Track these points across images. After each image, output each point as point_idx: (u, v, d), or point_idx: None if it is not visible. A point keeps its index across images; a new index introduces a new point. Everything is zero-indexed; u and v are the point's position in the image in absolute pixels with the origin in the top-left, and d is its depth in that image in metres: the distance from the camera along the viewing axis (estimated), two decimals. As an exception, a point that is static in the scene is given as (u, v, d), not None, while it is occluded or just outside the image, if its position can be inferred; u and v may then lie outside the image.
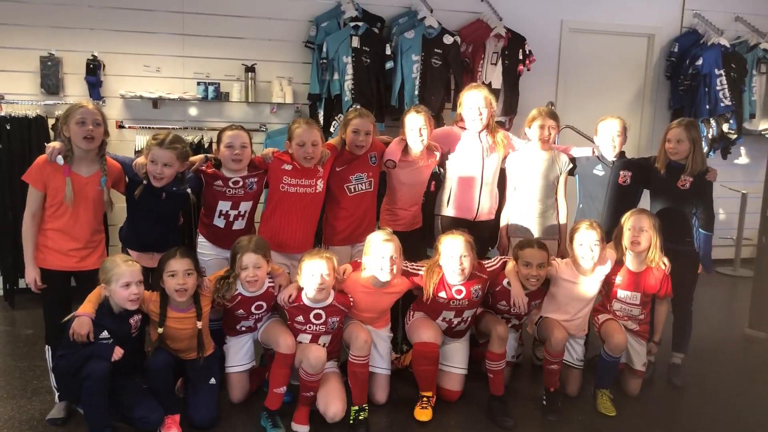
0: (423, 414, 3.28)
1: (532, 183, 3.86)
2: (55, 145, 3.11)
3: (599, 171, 3.85)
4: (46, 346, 3.28)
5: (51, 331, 3.18)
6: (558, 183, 3.90)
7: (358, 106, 4.56)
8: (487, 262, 3.52)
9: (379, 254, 3.23)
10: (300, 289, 3.25)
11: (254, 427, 3.16)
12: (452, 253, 3.30)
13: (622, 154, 3.87)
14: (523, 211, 3.90)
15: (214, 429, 3.13)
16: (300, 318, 3.24)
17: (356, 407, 3.20)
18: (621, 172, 3.81)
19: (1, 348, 4.09)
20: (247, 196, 3.51)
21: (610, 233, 3.62)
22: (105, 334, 2.91)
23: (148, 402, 3.00)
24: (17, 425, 3.10)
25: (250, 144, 3.49)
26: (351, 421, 3.16)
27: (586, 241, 3.42)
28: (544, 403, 3.44)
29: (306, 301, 3.23)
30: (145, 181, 3.25)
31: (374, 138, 3.71)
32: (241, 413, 3.30)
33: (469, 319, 3.50)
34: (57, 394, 3.18)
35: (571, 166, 3.92)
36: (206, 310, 3.19)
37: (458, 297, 3.36)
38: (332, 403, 3.15)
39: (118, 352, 2.86)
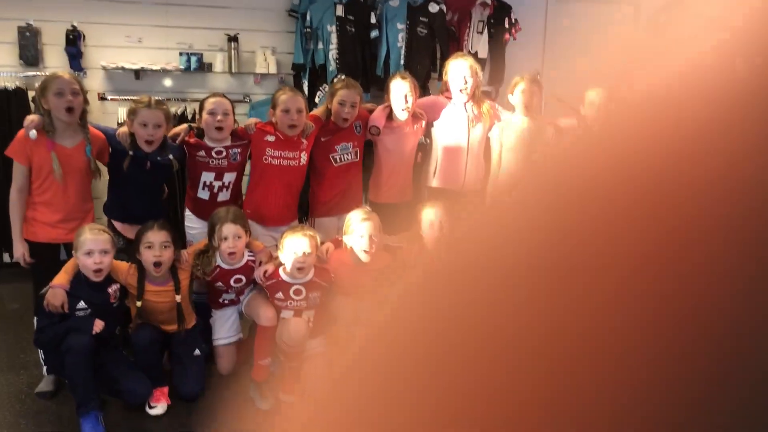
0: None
1: (517, 152, 3.87)
2: (33, 118, 3.07)
3: None
4: (35, 318, 3.26)
5: (38, 304, 3.16)
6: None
7: (344, 77, 4.53)
8: None
9: (358, 233, 3.24)
10: (277, 266, 3.24)
11: (243, 397, 3.19)
12: (431, 219, 3.31)
13: None
14: (509, 180, 3.89)
15: (202, 400, 3.16)
16: (280, 294, 3.24)
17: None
18: None
19: (-13, 322, 4.09)
20: (230, 166, 3.49)
21: None
22: (82, 304, 2.91)
23: (135, 375, 3.02)
24: (6, 399, 3.12)
25: (233, 112, 3.47)
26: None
27: None
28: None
29: (285, 277, 3.22)
30: (131, 152, 3.22)
31: (360, 107, 3.69)
32: (230, 384, 3.33)
33: None
34: (45, 368, 3.19)
35: (554, 129, 3.92)
36: (185, 284, 3.19)
37: None
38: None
39: (98, 325, 2.85)
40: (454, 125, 3.83)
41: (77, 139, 3.14)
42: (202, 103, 3.46)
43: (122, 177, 3.29)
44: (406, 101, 3.66)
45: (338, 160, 3.67)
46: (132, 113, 3.21)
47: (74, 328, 2.83)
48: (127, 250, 3.13)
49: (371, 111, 3.78)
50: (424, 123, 3.84)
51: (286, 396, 3.17)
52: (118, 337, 3.22)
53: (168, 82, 5.10)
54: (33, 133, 3.02)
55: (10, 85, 4.59)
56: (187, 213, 3.60)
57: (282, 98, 3.44)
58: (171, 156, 3.33)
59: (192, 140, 3.44)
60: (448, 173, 3.87)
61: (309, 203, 3.79)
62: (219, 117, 3.37)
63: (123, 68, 4.87)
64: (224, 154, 3.45)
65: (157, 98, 3.30)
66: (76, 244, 2.91)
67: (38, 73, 4.71)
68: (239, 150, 3.50)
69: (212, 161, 3.44)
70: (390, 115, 3.72)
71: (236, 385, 3.30)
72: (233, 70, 5.15)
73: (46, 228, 3.13)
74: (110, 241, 2.96)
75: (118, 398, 3.05)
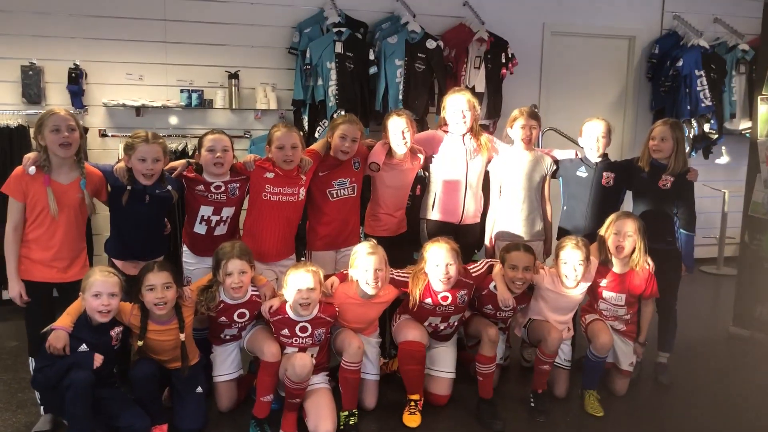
0: (411, 420, 3.28)
1: (517, 185, 3.88)
2: (30, 156, 3.08)
3: (582, 173, 3.88)
4: (30, 359, 3.23)
5: (34, 343, 3.13)
6: (543, 184, 3.93)
7: (344, 112, 4.56)
8: (472, 266, 3.53)
9: (363, 267, 3.23)
10: (283, 302, 3.23)
11: (243, 435, 3.15)
12: (438, 261, 3.29)
13: (605, 156, 3.90)
14: (508, 214, 3.91)
15: (203, 438, 3.12)
16: (285, 331, 3.22)
17: (346, 412, 3.19)
18: (604, 174, 3.84)
19: (-15, 360, 4.05)
20: (229, 201, 3.49)
21: (594, 234, 3.65)
22: (84, 347, 2.88)
23: (134, 410, 2.98)
24: (2, 439, 3.08)
25: (232, 148, 3.48)
26: (341, 427, 3.16)
27: (571, 260, 3.43)
28: (532, 404, 3.45)
29: (291, 314, 3.21)
30: (129, 186, 3.22)
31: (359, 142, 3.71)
32: (230, 422, 3.29)
33: (455, 323, 3.51)
34: (42, 407, 3.15)
35: (555, 167, 3.95)
36: (189, 321, 3.16)
37: (444, 303, 3.37)
38: (323, 422, 3.10)
39: (98, 359, 2.82)
40: (452, 159, 3.85)
41: (73, 175, 3.14)
42: (200, 139, 3.47)
43: (122, 213, 3.29)
44: (404, 137, 3.68)
45: (335, 195, 3.67)
46: (129, 148, 3.21)
47: (76, 364, 2.80)
48: (128, 289, 3.10)
49: (370, 147, 3.80)
50: (422, 158, 3.86)
51: (287, 433, 3.14)
52: (115, 374, 3.18)
53: (169, 119, 5.14)
54: (32, 169, 3.03)
55: (12, 122, 4.63)
56: (185, 249, 3.59)
57: (276, 135, 3.46)
58: (170, 187, 3.34)
59: (191, 175, 3.45)
60: (446, 206, 3.88)
61: (306, 237, 3.78)
62: (218, 154, 3.38)
63: (124, 105, 4.92)
64: (223, 189, 3.46)
65: (153, 132, 3.32)
66: (85, 285, 2.89)
67: (40, 111, 4.73)
68: (238, 185, 3.51)
69: (211, 196, 3.44)
70: (389, 152, 3.74)
71: (236, 423, 3.27)
72: (234, 107, 5.19)
73: (39, 267, 3.10)
74: (119, 285, 2.94)
75: (117, 434, 3.00)
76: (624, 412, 3.50)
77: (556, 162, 3.96)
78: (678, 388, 3.81)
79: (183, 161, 3.50)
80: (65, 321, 2.88)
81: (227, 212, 3.51)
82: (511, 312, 3.54)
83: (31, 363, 3.22)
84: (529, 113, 3.85)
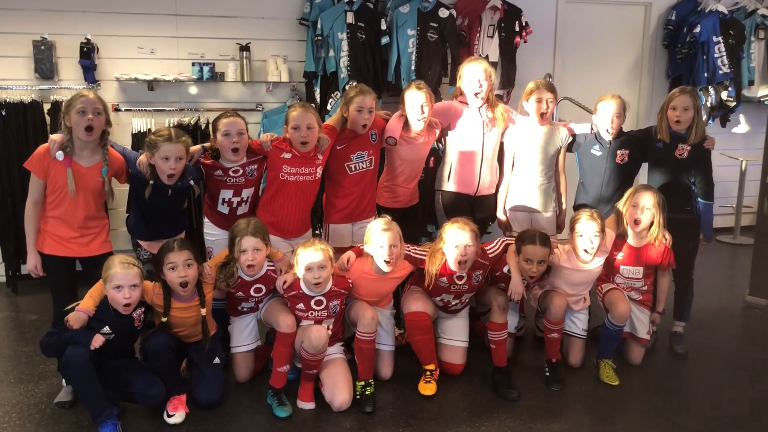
0: (427, 388, 3.31)
1: (532, 157, 3.84)
2: (56, 138, 3.09)
3: (597, 151, 3.82)
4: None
5: (58, 315, 3.17)
6: (557, 157, 3.89)
7: (355, 83, 4.52)
8: (489, 246, 3.50)
9: (378, 244, 3.23)
10: (297, 278, 3.24)
11: (261, 405, 3.19)
12: (456, 242, 3.26)
13: (620, 133, 3.82)
14: (522, 186, 3.89)
15: (220, 408, 3.16)
16: (301, 305, 3.24)
17: (362, 382, 3.22)
18: (618, 152, 3.78)
19: (6, 334, 4.12)
20: (248, 183, 3.49)
21: (610, 209, 3.62)
22: (107, 329, 2.91)
23: (146, 376, 3.01)
24: (26, 409, 3.13)
25: (247, 129, 3.45)
26: (357, 396, 3.19)
27: (587, 232, 3.41)
28: (547, 373, 3.47)
29: (305, 290, 3.22)
30: (151, 181, 3.20)
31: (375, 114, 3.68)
32: (248, 392, 3.33)
33: (467, 300, 3.52)
34: (64, 378, 3.20)
35: (570, 139, 3.89)
36: (209, 297, 3.19)
37: (459, 282, 3.37)
38: (339, 392, 3.14)
39: (97, 340, 2.82)
40: (468, 129, 3.81)
41: (95, 159, 3.16)
42: (215, 123, 3.42)
43: (144, 202, 3.29)
44: (422, 112, 3.62)
45: (353, 168, 3.64)
46: (152, 146, 3.16)
47: (73, 341, 2.82)
48: (152, 272, 3.13)
49: (386, 119, 3.76)
50: (438, 132, 3.82)
51: (304, 404, 3.17)
52: (134, 348, 3.22)
53: (181, 93, 5.13)
54: (60, 154, 3.06)
55: (26, 98, 4.64)
56: (207, 221, 3.60)
57: (292, 115, 3.42)
58: (192, 181, 3.33)
59: (208, 162, 3.43)
60: (462, 177, 3.86)
61: (324, 210, 3.78)
62: (234, 138, 3.34)
63: (136, 79, 4.90)
64: (241, 172, 3.44)
65: (176, 129, 3.29)
66: (105, 276, 2.91)
67: (53, 86, 4.76)
68: (256, 166, 3.49)
69: (230, 180, 3.43)
70: (405, 125, 3.70)
71: (254, 393, 3.31)
72: (245, 79, 5.16)
73: (58, 242, 3.15)
74: (140, 275, 2.94)
75: (132, 402, 3.04)
76: (639, 381, 3.51)
77: (573, 135, 3.91)
78: (694, 357, 3.80)
79: (198, 147, 3.45)
80: (88, 304, 2.92)
81: (247, 193, 3.51)
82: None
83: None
84: (546, 85, 3.78)
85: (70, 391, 3.19)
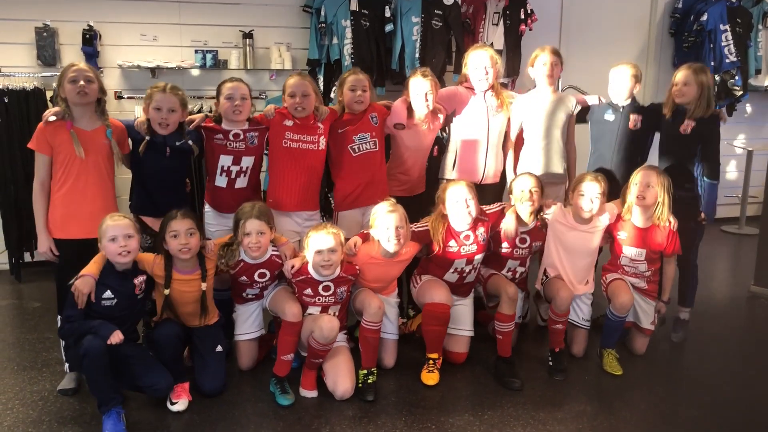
0: (430, 378, 3.30)
1: (540, 125, 3.83)
2: (51, 109, 3.11)
3: (609, 116, 3.82)
4: (58, 317, 3.27)
5: (63, 301, 3.15)
6: (567, 125, 3.87)
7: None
8: (487, 207, 3.53)
9: (384, 226, 3.22)
10: (305, 262, 3.23)
11: (263, 393, 3.19)
12: (457, 197, 3.30)
13: (633, 99, 3.82)
14: (531, 155, 3.86)
15: (223, 396, 3.16)
16: (308, 291, 3.23)
17: (365, 371, 3.22)
18: (631, 116, 3.76)
19: (9, 321, 4.12)
20: (248, 150, 3.48)
21: (621, 180, 3.60)
22: (108, 293, 2.91)
23: (157, 369, 3.02)
24: (29, 396, 3.14)
25: (250, 96, 3.48)
26: (360, 385, 3.19)
27: (588, 192, 3.42)
28: (550, 363, 3.46)
29: (313, 274, 3.21)
30: (147, 137, 3.25)
31: (373, 102, 3.70)
32: (251, 380, 3.33)
33: (478, 265, 3.51)
34: (67, 365, 3.20)
35: (579, 108, 3.90)
36: (211, 273, 3.19)
37: (467, 243, 3.37)
38: (341, 381, 3.14)
39: (116, 337, 2.82)
40: (474, 117, 3.80)
41: (96, 124, 3.17)
42: (219, 87, 3.45)
43: (144, 167, 3.31)
44: (426, 99, 3.63)
45: (356, 150, 3.63)
46: (148, 98, 3.25)
47: (93, 331, 2.83)
48: (153, 242, 3.14)
49: (387, 106, 3.77)
50: (442, 118, 3.81)
51: (307, 392, 3.17)
52: (138, 332, 3.22)
53: (184, 80, 5.11)
54: (52, 117, 3.07)
55: (29, 85, 4.62)
56: (207, 209, 3.60)
57: (289, 83, 3.47)
58: (190, 141, 3.35)
59: (209, 124, 3.45)
60: (466, 165, 3.85)
61: (334, 197, 3.77)
62: (237, 102, 3.37)
63: (139, 66, 4.89)
64: (242, 137, 3.45)
65: (173, 84, 3.32)
66: (100, 233, 2.92)
67: (56, 73, 4.72)
68: (257, 134, 3.50)
69: (230, 144, 3.44)
70: (409, 112, 3.70)
71: (257, 381, 3.31)
72: (248, 67, 5.14)
73: (72, 222, 3.11)
74: (132, 226, 2.97)
75: (139, 392, 3.05)
76: (643, 371, 3.50)
77: (586, 108, 3.90)
78: (698, 347, 3.79)
79: (201, 114, 3.52)
80: (91, 268, 2.92)
81: (247, 162, 3.49)
82: (527, 250, 3.54)
83: (59, 321, 3.25)
84: (552, 50, 3.81)
85: (73, 378, 3.19)
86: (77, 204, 3.13)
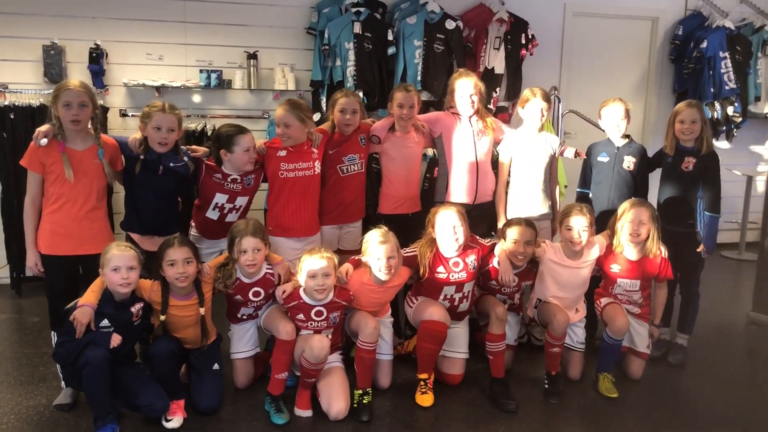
0: (424, 399, 3.30)
1: (526, 165, 3.92)
2: (41, 129, 3.12)
3: (604, 158, 3.88)
4: (52, 333, 3.30)
5: (56, 316, 3.18)
6: (551, 164, 3.95)
7: (361, 93, 4.55)
8: (480, 239, 3.57)
9: (375, 256, 3.25)
10: (297, 287, 3.25)
11: (258, 411, 3.19)
12: (446, 224, 3.33)
13: (628, 137, 3.88)
14: (521, 195, 3.93)
15: (219, 413, 3.16)
16: (301, 316, 3.24)
17: (360, 391, 3.22)
18: (625, 158, 3.82)
19: (8, 335, 4.14)
20: (244, 191, 3.53)
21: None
22: (105, 322, 2.92)
23: (154, 389, 3.02)
24: (24, 411, 3.14)
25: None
26: (355, 405, 3.19)
27: (576, 226, 3.43)
28: (546, 386, 3.45)
29: (305, 299, 3.22)
30: (141, 156, 3.27)
31: (362, 122, 3.80)
32: (246, 398, 3.33)
33: (470, 294, 3.51)
34: (63, 381, 3.21)
35: (563, 147, 3.98)
36: (208, 296, 3.20)
37: (456, 270, 3.39)
38: (335, 401, 3.13)
39: (116, 339, 2.86)
40: (460, 140, 3.89)
41: (88, 143, 3.18)
42: (233, 137, 3.39)
43: (136, 185, 3.34)
44: (407, 110, 3.76)
45: (345, 170, 3.73)
46: (146, 117, 3.27)
47: (92, 342, 2.84)
48: (147, 264, 3.14)
49: (371, 125, 3.90)
50: (426, 133, 3.92)
51: (301, 411, 3.17)
52: (135, 351, 3.23)
53: (188, 99, 5.16)
54: (43, 141, 3.08)
55: (35, 102, 4.69)
56: (193, 231, 3.64)
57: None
58: (186, 158, 3.39)
59: (211, 163, 3.47)
60: (460, 187, 3.91)
61: None
62: (253, 158, 3.45)
63: (144, 85, 4.95)
64: (239, 180, 3.49)
65: (170, 103, 3.35)
66: (103, 261, 2.94)
67: (61, 90, 4.80)
68: (253, 176, 3.55)
69: (227, 185, 3.48)
70: (392, 127, 3.82)
71: (252, 399, 3.31)
72: (252, 87, 5.20)
73: (62, 239, 3.14)
74: (136, 258, 2.98)
75: (136, 411, 3.05)
76: (639, 395, 3.49)
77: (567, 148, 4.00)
78: (695, 371, 3.79)
79: (205, 149, 3.54)
80: (90, 298, 2.92)
81: (241, 201, 3.55)
82: (516, 288, 3.54)
83: (53, 337, 3.28)
84: (543, 95, 3.85)
85: (69, 394, 3.20)
86: (67, 223, 3.15)
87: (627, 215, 3.47)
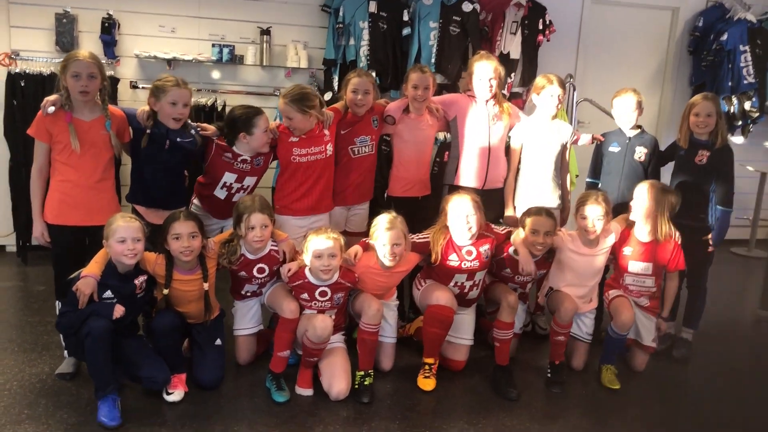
0: (426, 383, 3.29)
1: (538, 153, 3.86)
2: (49, 98, 3.10)
3: (615, 147, 3.84)
4: (57, 302, 3.30)
5: (61, 286, 3.17)
6: (563, 153, 3.89)
7: (374, 73, 4.50)
8: (494, 226, 3.53)
9: (381, 242, 3.22)
10: (302, 266, 3.23)
11: (259, 388, 3.19)
12: (459, 212, 3.29)
13: (639, 128, 3.83)
14: (531, 183, 3.88)
15: (220, 389, 3.17)
16: (305, 295, 3.23)
17: (362, 373, 3.21)
18: (636, 149, 3.78)
19: (13, 303, 4.15)
20: (253, 171, 3.51)
21: (627, 207, 3.60)
22: (108, 293, 2.91)
23: (156, 362, 3.02)
24: (27, 378, 3.15)
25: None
26: (356, 386, 3.18)
27: (591, 214, 3.40)
28: (549, 375, 3.44)
29: (310, 279, 3.21)
30: (148, 130, 3.25)
31: (375, 102, 3.74)
32: (248, 375, 3.34)
33: (480, 283, 3.49)
34: (66, 350, 3.22)
35: (575, 137, 3.93)
36: (212, 272, 3.19)
37: (469, 258, 3.35)
38: (336, 382, 3.13)
39: (119, 310, 2.85)
40: (474, 123, 3.84)
41: (95, 114, 3.16)
42: (252, 119, 3.36)
43: (142, 158, 3.32)
44: (422, 91, 3.70)
45: (356, 152, 3.69)
46: (159, 91, 3.23)
47: (95, 313, 2.84)
48: (152, 237, 3.12)
49: (384, 105, 3.84)
50: (441, 116, 3.87)
51: (302, 390, 3.17)
52: (138, 324, 3.23)
53: (200, 73, 5.13)
54: (51, 108, 3.06)
55: (45, 70, 4.66)
56: (196, 203, 3.63)
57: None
58: (193, 132, 3.37)
59: (222, 143, 3.45)
60: (470, 171, 3.86)
61: None
62: (269, 140, 3.43)
63: (155, 57, 4.91)
64: (249, 160, 3.47)
65: (182, 78, 3.32)
66: (108, 232, 2.92)
67: (73, 59, 4.77)
68: (263, 157, 3.53)
69: (237, 164, 3.46)
70: (407, 109, 3.77)
71: (254, 376, 3.31)
72: (264, 63, 5.16)
73: (68, 209, 3.13)
74: (142, 230, 2.96)
75: (137, 383, 3.06)
76: (642, 388, 3.47)
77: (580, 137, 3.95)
78: (700, 367, 3.77)
79: (215, 129, 3.50)
80: (93, 269, 2.91)
81: (249, 181, 3.53)
82: (531, 278, 3.51)
83: (58, 306, 3.28)
84: (559, 82, 3.79)
85: (72, 363, 3.21)
86: (74, 193, 3.14)
87: (636, 192, 3.48)
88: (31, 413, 2.87)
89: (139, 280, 3.04)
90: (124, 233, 2.90)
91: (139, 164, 3.37)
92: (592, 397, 3.36)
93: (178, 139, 3.31)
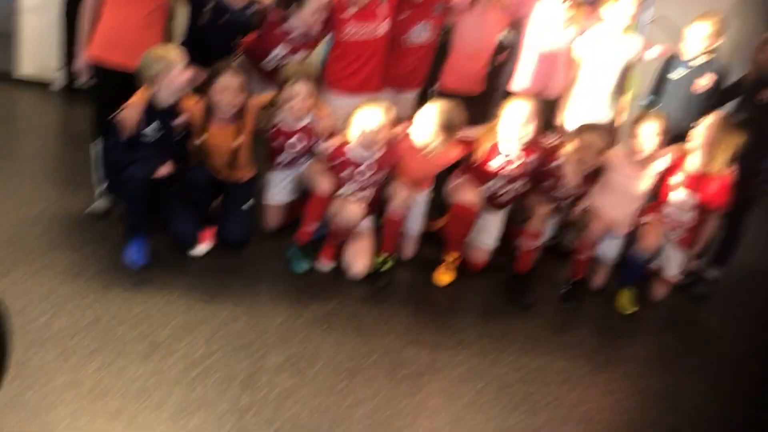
0: (443, 278, 3.33)
1: (601, 65, 3.65)
2: None
3: (676, 74, 3.61)
4: (92, 143, 3.33)
5: (98, 126, 3.20)
6: (627, 68, 3.68)
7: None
8: (545, 138, 3.43)
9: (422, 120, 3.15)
10: (343, 142, 3.19)
11: (282, 255, 3.25)
12: (512, 118, 3.19)
13: (711, 52, 3.57)
14: (586, 95, 3.70)
15: (241, 252, 3.24)
16: (345, 173, 3.21)
17: (382, 257, 3.25)
18: (702, 77, 3.55)
19: (59, 136, 4.23)
20: (306, 45, 3.42)
21: (682, 136, 3.43)
22: (154, 125, 2.92)
23: (185, 217, 3.10)
24: (58, 211, 3.27)
25: None
26: (375, 270, 3.23)
27: (644, 133, 3.27)
28: (566, 290, 3.43)
29: (352, 156, 3.18)
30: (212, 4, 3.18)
31: None
32: (272, 240, 3.39)
33: (517, 191, 3.43)
34: (97, 191, 3.30)
35: (643, 52, 3.69)
36: (248, 129, 3.18)
37: (511, 167, 3.30)
38: (357, 261, 3.18)
39: (165, 168, 2.89)
40: (546, 26, 3.62)
41: None
42: None
43: (197, 26, 3.25)
44: None
45: (412, 40, 3.52)
46: None
47: (141, 160, 2.88)
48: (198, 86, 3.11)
49: None
50: (510, 13, 3.65)
51: (322, 265, 3.23)
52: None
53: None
54: None
55: None
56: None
57: None
58: (249, 12, 3.29)
59: (276, 17, 3.33)
60: (525, 75, 3.70)
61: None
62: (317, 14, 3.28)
63: None
64: (301, 35, 3.37)
65: None
66: (161, 67, 2.86)
67: None
68: (316, 32, 3.40)
69: (290, 38, 3.36)
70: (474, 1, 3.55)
71: (277, 244, 3.37)
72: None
73: (117, 48, 3.07)
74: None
75: (167, 234, 3.13)
76: (655, 317, 3.47)
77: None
78: (719, 307, 3.71)
79: (272, 0, 3.37)
80: (136, 101, 2.92)
81: (302, 55, 3.44)
82: (573, 194, 3.45)
83: (93, 148, 3.32)
84: None
85: (104, 205, 3.29)
86: (124, 30, 3.08)
87: (701, 122, 3.30)
88: (63, 242, 2.99)
89: (179, 121, 3.03)
90: (182, 60, 2.90)
91: (192, 30, 3.31)
92: (604, 318, 3.37)
93: (235, 18, 3.24)
